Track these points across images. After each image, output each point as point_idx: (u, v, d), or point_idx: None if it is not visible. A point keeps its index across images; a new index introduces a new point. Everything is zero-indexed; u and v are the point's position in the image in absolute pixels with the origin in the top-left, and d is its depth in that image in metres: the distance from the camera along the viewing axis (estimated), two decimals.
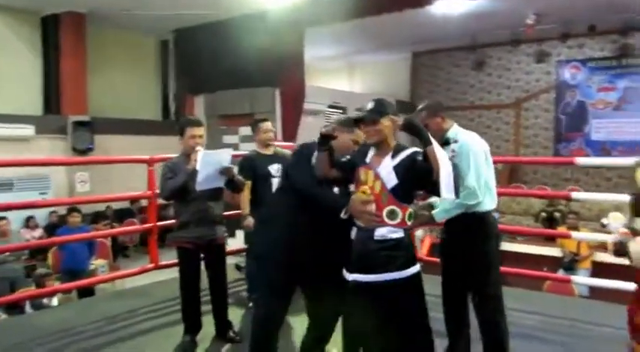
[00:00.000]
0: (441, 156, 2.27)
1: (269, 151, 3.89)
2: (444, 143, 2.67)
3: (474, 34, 10.48)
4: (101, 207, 8.96)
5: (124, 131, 9.23)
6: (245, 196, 3.77)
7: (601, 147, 9.87)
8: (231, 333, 3.30)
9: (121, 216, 9.32)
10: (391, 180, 2.34)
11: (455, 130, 2.72)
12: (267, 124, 3.90)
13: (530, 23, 8.88)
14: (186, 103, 10.22)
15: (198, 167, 3.01)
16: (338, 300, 2.73)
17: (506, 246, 6.38)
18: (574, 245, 5.93)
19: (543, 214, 7.60)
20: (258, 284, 2.81)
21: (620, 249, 2.06)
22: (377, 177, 2.35)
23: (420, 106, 2.77)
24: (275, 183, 3.77)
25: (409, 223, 2.37)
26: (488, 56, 11.27)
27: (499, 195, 2.86)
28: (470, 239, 2.64)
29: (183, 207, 3.19)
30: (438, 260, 3.07)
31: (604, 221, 7.30)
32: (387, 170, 2.37)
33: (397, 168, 2.35)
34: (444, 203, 2.63)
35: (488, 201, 2.66)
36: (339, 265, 2.54)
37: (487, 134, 10.12)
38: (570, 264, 5.77)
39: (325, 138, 2.54)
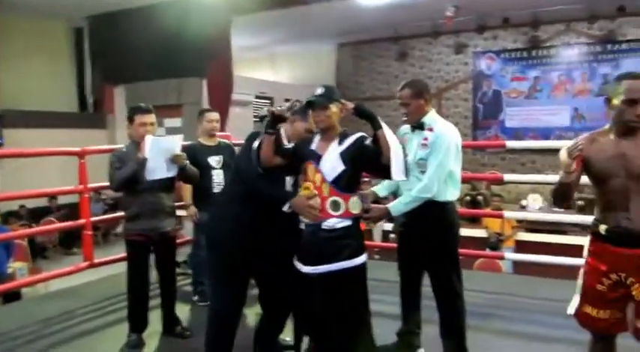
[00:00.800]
0: (391, 139, 2.32)
1: (212, 142, 3.80)
2: (419, 127, 2.68)
3: (396, 25, 10.76)
4: (13, 206, 8.34)
5: (37, 124, 8.58)
6: (186, 186, 3.67)
7: (514, 133, 10.50)
8: (179, 329, 3.19)
9: (36, 215, 8.71)
10: (338, 166, 2.35)
11: (432, 117, 2.70)
12: (213, 114, 3.83)
13: (449, 15, 9.21)
14: (105, 94, 9.73)
15: (147, 154, 2.87)
16: (290, 289, 2.73)
17: None
18: (498, 225, 6.29)
19: (467, 198, 7.98)
20: (212, 277, 2.73)
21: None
22: (317, 170, 2.36)
23: (403, 83, 2.74)
24: (216, 175, 3.70)
25: (354, 212, 2.39)
26: (411, 47, 11.62)
27: None
28: (433, 227, 2.67)
29: (132, 198, 3.04)
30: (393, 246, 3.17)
31: (523, 202, 7.77)
32: (333, 156, 2.38)
33: (344, 154, 2.37)
34: (402, 197, 2.66)
35: (452, 191, 2.70)
36: (291, 254, 2.54)
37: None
38: (496, 243, 6.12)
39: (276, 120, 2.50)
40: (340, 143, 2.41)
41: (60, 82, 9.83)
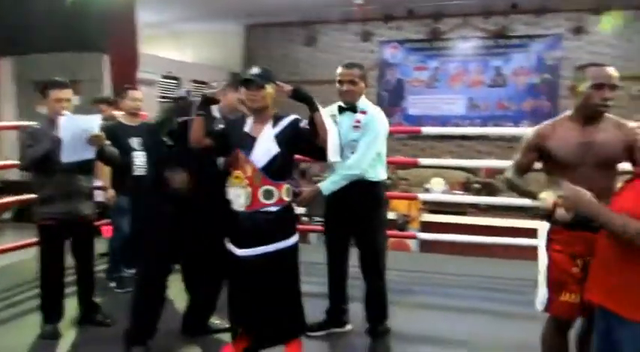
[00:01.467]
0: (327, 122, 2.37)
1: (134, 122, 3.63)
2: (350, 109, 2.76)
3: (305, 10, 10.78)
4: None
5: None
6: (105, 168, 3.49)
7: (416, 121, 11.02)
8: (99, 317, 3.06)
9: None
10: (272, 148, 2.37)
11: (364, 101, 2.79)
12: (137, 93, 3.66)
13: (358, 2, 9.42)
14: None
15: (61, 134, 2.68)
16: (219, 273, 2.74)
17: None
18: (405, 207, 6.62)
19: None
20: (143, 255, 2.68)
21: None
22: (247, 160, 2.36)
23: (349, 62, 2.81)
24: (136, 157, 3.56)
25: (287, 199, 2.43)
26: (320, 33, 11.73)
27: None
28: (366, 203, 2.77)
29: (45, 179, 2.83)
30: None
31: (427, 185, 8.17)
32: (268, 138, 2.39)
33: (279, 136, 2.40)
34: (331, 176, 2.73)
35: (381, 171, 2.83)
36: (219, 238, 2.54)
37: None
38: (403, 224, 6.44)
39: (208, 102, 2.47)
40: (274, 125, 2.43)
41: None
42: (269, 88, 2.41)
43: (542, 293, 2.17)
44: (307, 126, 2.42)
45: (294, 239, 2.45)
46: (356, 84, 2.72)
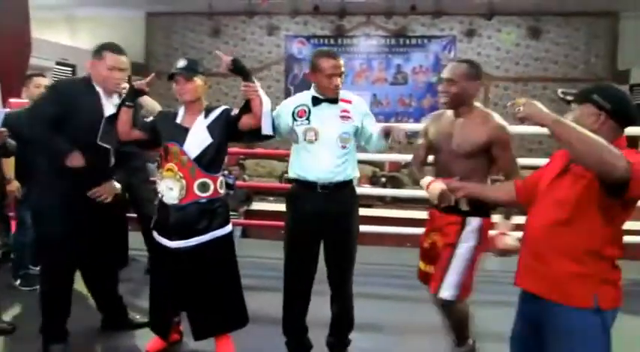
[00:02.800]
0: (263, 96, 2.40)
1: None
2: (329, 100, 2.51)
3: (211, 0, 10.59)
4: None
5: None
6: (8, 160, 3.27)
7: None
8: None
9: None
10: (205, 139, 2.38)
11: (342, 91, 2.58)
12: (42, 79, 3.46)
13: None
14: None
15: None
16: (115, 263, 2.74)
17: (260, 205, 6.94)
18: None
19: (286, 175, 8.38)
20: (43, 246, 2.59)
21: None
22: (181, 152, 2.36)
23: (333, 51, 2.58)
24: None
25: (222, 192, 2.46)
26: (225, 24, 11.57)
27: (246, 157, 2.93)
28: (345, 207, 2.58)
29: None
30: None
31: None
32: (200, 128, 2.40)
33: (211, 126, 2.42)
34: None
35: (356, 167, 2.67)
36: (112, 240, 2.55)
37: (223, 101, 10.48)
38: None
39: (136, 93, 2.43)
40: (206, 116, 2.44)
41: None
42: (198, 80, 2.41)
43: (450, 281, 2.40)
44: (237, 114, 2.44)
45: (229, 227, 2.48)
46: (341, 75, 2.48)
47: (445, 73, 2.41)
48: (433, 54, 10.97)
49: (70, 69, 9.29)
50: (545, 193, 1.80)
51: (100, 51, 2.53)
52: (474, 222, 2.40)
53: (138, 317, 2.94)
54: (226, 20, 11.56)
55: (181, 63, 2.41)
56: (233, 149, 5.08)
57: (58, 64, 9.09)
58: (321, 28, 11.37)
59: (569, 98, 1.78)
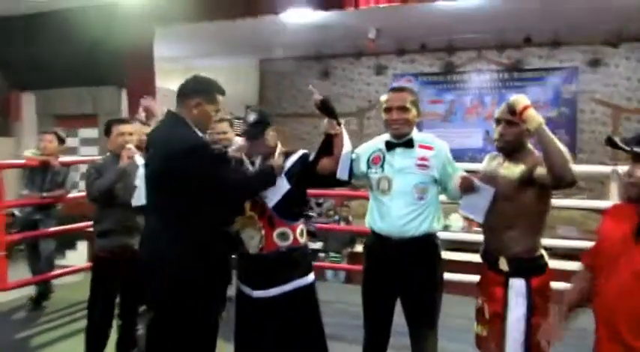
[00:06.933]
0: (346, 139, 2.30)
1: None
2: (404, 144, 2.34)
3: (319, 44, 10.93)
4: None
5: None
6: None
7: None
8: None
9: None
10: (282, 185, 2.32)
11: (418, 133, 2.41)
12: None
13: (371, 38, 9.52)
14: (11, 101, 9.00)
15: (137, 182, 2.70)
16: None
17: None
18: None
19: None
20: None
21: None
22: (261, 201, 2.30)
23: (396, 85, 2.62)
24: None
25: (302, 241, 2.36)
26: (333, 66, 11.85)
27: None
28: (429, 262, 2.39)
29: (105, 212, 2.94)
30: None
31: (446, 222, 7.90)
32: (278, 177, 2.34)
33: (289, 173, 2.35)
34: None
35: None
36: None
37: None
38: None
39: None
40: (284, 162, 2.38)
41: None
42: (270, 133, 2.37)
43: None
44: (315, 156, 2.36)
45: (310, 277, 2.38)
46: (407, 111, 2.29)
47: (505, 114, 2.12)
48: (552, 87, 10.28)
49: None
50: (620, 262, 1.56)
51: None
52: (517, 284, 2.06)
53: None
54: (335, 62, 11.84)
55: (251, 117, 2.38)
56: (341, 191, 5.01)
57: None
58: (429, 65, 11.20)
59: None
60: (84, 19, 7.60)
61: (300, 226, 2.35)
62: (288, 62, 12.20)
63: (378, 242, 2.38)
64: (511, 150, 2.14)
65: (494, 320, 2.11)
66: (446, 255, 6.38)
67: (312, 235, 2.50)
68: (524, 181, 2.06)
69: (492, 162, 2.29)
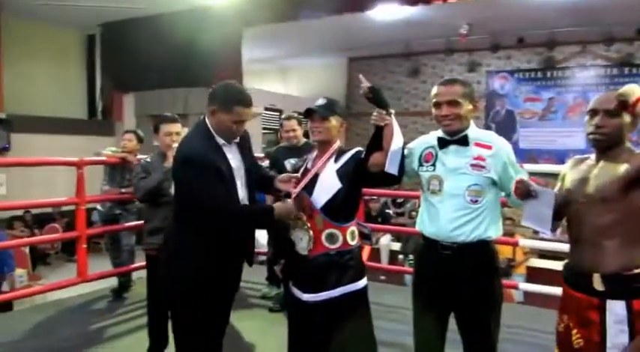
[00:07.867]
0: (397, 133, 2.12)
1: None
2: (458, 141, 2.13)
3: (409, 41, 10.67)
4: (19, 210, 8.26)
5: (45, 130, 8.53)
6: None
7: (528, 155, 10.30)
8: None
9: (41, 220, 8.62)
10: (334, 184, 2.19)
11: (476, 130, 2.16)
12: (292, 122, 3.69)
13: (463, 33, 9.12)
14: (114, 102, 9.69)
15: None
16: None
17: None
18: (510, 251, 6.09)
19: None
20: None
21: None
22: (309, 201, 2.19)
23: (448, 78, 2.24)
24: None
25: (353, 243, 2.22)
26: (423, 64, 11.52)
27: None
28: (482, 271, 2.15)
29: (153, 210, 2.98)
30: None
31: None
32: (330, 174, 2.22)
33: (341, 171, 2.21)
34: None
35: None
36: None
37: None
38: (506, 270, 5.90)
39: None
40: (337, 160, 2.26)
41: (69, 88, 9.80)
42: (333, 120, 2.25)
43: None
44: (365, 153, 2.20)
45: (362, 282, 2.25)
46: (459, 105, 2.07)
47: (605, 103, 1.81)
48: None
49: (277, 113, 10.17)
50: None
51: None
52: (617, 308, 1.73)
53: None
54: (425, 59, 11.50)
55: (319, 101, 2.29)
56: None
57: (266, 109, 10.03)
58: (527, 61, 10.54)
59: None
60: (176, 23, 7.97)
61: (351, 228, 2.22)
62: (377, 60, 12.04)
63: (427, 247, 2.19)
64: (608, 145, 1.83)
65: (589, 351, 1.80)
66: (536, 262, 6.01)
67: (365, 238, 2.36)
68: (631, 182, 1.75)
69: (580, 166, 1.96)
